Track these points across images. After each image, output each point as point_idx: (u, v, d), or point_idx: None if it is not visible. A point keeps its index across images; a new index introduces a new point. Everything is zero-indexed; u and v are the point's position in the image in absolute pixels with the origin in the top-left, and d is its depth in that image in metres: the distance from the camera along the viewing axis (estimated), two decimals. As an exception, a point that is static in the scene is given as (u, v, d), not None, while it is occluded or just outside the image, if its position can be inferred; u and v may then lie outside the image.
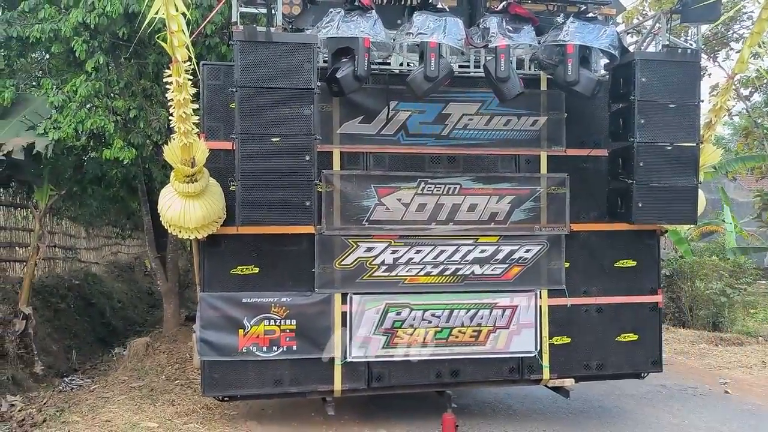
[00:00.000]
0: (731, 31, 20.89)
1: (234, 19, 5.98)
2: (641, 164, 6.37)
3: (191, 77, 5.51)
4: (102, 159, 9.65)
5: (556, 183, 7.18)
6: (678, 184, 6.47)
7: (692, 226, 11.21)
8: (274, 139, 5.76)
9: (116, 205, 15.09)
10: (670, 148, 6.43)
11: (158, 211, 6.37)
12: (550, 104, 7.18)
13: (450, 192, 7.01)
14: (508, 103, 6.67)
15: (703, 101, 6.56)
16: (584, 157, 7.21)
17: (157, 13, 4.94)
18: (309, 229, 6.53)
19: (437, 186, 6.99)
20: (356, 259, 6.83)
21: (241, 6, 6.04)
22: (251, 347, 6.61)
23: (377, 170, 6.91)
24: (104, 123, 9.12)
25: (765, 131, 21.45)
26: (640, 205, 6.42)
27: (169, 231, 6.35)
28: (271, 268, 6.65)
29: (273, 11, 5.97)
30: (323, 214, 6.68)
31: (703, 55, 21.12)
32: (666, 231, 8.10)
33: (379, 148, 6.93)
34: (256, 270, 6.63)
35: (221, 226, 6.40)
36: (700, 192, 6.76)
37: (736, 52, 20.80)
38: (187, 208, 5.99)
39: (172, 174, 5.98)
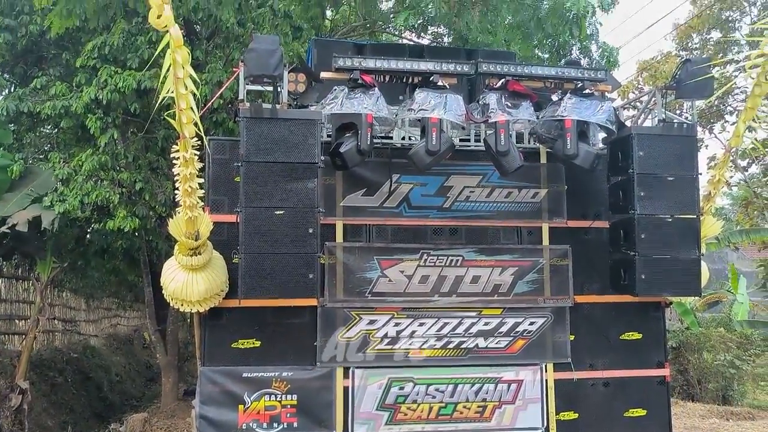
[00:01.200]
0: (726, 104, 21.38)
1: (241, 97, 6.14)
2: (643, 236, 6.40)
3: (198, 152, 5.63)
4: (106, 230, 9.73)
5: (558, 255, 7.18)
6: (680, 256, 6.47)
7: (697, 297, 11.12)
8: (277, 212, 5.82)
9: (117, 277, 15.08)
10: (670, 220, 6.47)
11: (161, 284, 6.36)
12: (550, 177, 7.27)
13: (453, 264, 7.01)
14: (509, 176, 6.78)
15: (701, 174, 6.65)
16: (586, 229, 7.24)
17: (168, 92, 5.08)
18: (312, 302, 6.49)
19: (440, 258, 6.99)
20: (359, 332, 6.77)
21: (248, 84, 6.22)
22: (251, 424, 6.45)
23: (380, 242, 6.94)
24: (109, 195, 9.26)
25: (764, 201, 21.60)
26: (643, 277, 6.40)
27: (171, 304, 6.32)
28: (272, 341, 6.58)
29: (279, 89, 6.14)
30: (326, 287, 6.66)
31: (699, 127, 21.60)
32: (671, 303, 8.04)
33: (382, 220, 6.98)
34: (258, 343, 6.55)
35: (223, 299, 6.37)
36: (703, 263, 6.75)
37: (732, 125, 21.25)
38: (190, 281, 5.98)
39: (176, 247, 6.01)
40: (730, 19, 21.73)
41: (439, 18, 9.44)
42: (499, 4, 9.52)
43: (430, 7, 8.67)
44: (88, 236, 11.10)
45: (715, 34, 22.33)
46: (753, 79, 6.24)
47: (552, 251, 7.18)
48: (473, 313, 7.00)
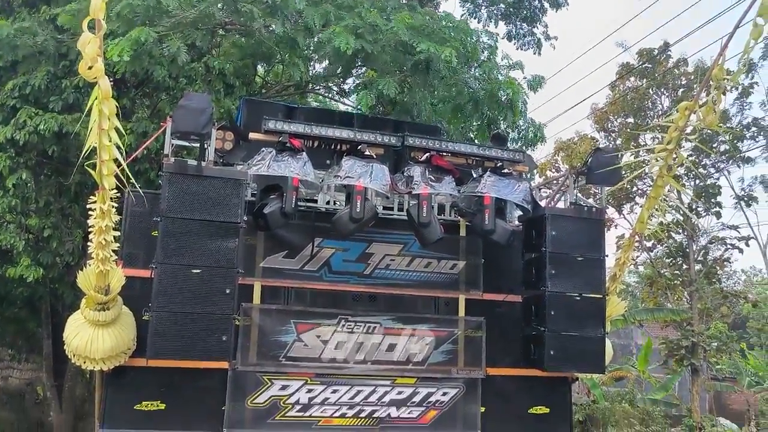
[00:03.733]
0: (635, 187, 22.69)
1: (166, 152, 6.07)
2: (552, 313, 6.65)
3: (116, 204, 5.48)
4: (6, 277, 9.19)
5: (473, 326, 7.33)
6: (587, 333, 6.75)
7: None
8: (194, 271, 5.70)
9: (15, 326, 14.12)
10: (578, 298, 6.77)
11: (63, 339, 6.03)
12: (469, 249, 7.49)
13: (370, 331, 7.02)
14: (429, 246, 6.94)
15: (608, 256, 7.02)
16: (500, 302, 7.44)
17: (92, 142, 4.97)
18: (223, 365, 6.31)
19: (357, 324, 6.99)
20: (270, 398, 6.60)
21: (174, 139, 6.16)
22: (148, 492, 6.09)
23: (298, 306, 6.88)
24: (14, 240, 8.80)
25: (667, 281, 22.81)
26: (552, 352, 6.62)
27: (73, 361, 5.99)
28: (178, 404, 6.31)
29: (206, 146, 6.12)
30: (239, 349, 6.50)
31: (609, 207, 22.85)
32: (577, 378, 8.30)
33: (302, 283, 6.95)
34: (163, 406, 6.26)
35: (129, 357, 6.10)
36: (608, 341, 7.06)
37: (640, 207, 22.60)
38: (96, 337, 5.72)
39: (83, 301, 5.76)
40: (643, 107, 23.37)
41: (390, 95, 9.82)
42: (439, 85, 9.94)
43: (381, 87, 8.98)
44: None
45: (632, 119, 23.92)
46: (656, 170, 6.73)
47: (467, 322, 7.32)
48: (387, 382, 6.98)
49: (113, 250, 5.55)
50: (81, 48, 4.48)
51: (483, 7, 13.41)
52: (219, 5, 8.44)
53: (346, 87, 12.99)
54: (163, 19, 8.21)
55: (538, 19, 13.05)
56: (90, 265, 5.59)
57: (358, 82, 11.71)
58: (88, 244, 5.52)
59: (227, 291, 5.76)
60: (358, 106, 10.92)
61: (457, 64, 8.76)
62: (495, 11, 13.25)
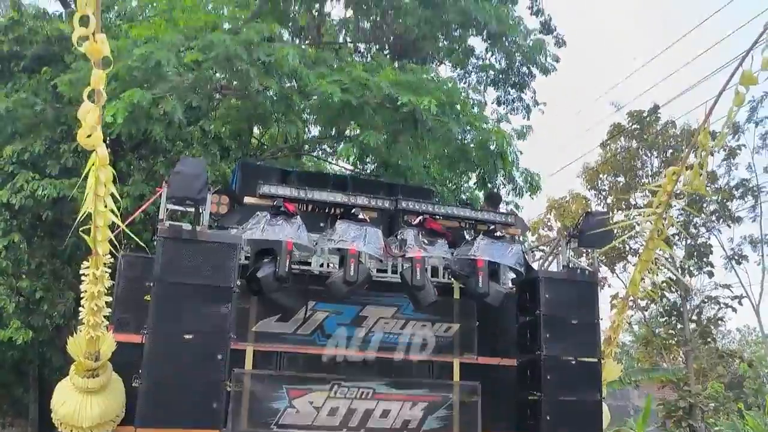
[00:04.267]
0: (627, 246, 22.79)
1: (161, 216, 6.11)
2: (548, 377, 6.58)
3: (108, 269, 5.47)
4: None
5: (468, 391, 7.22)
6: (583, 398, 6.67)
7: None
8: (186, 337, 5.64)
9: (0, 390, 13.81)
10: (574, 362, 6.71)
11: (50, 406, 5.91)
12: (463, 312, 7.46)
13: (363, 396, 6.92)
14: (423, 309, 6.91)
15: (602, 319, 7.01)
16: (495, 367, 7.36)
17: (88, 208, 5.00)
18: (213, 432, 6.17)
19: (351, 390, 6.89)
20: (261, 467, 6.44)
21: (170, 204, 6.21)
22: None
23: (290, 371, 6.79)
24: (5, 303, 8.73)
25: (663, 341, 22.68)
26: (548, 418, 6.52)
27: (60, 429, 5.85)
28: (167, 473, 6.12)
29: (201, 210, 6.17)
30: (230, 416, 6.36)
31: (602, 266, 22.90)
32: (574, 443, 8.13)
33: (295, 347, 6.88)
34: (151, 475, 6.08)
35: (118, 425, 5.96)
36: (605, 405, 6.97)
37: (632, 265, 22.66)
38: (84, 404, 5.60)
39: (73, 367, 5.67)
40: (633, 167, 23.73)
41: (374, 150, 9.94)
42: (426, 139, 10.12)
43: (366, 140, 9.13)
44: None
45: (622, 178, 24.25)
46: (647, 234, 6.80)
47: (462, 387, 7.23)
48: (381, 450, 6.83)
49: (105, 316, 5.51)
50: (81, 117, 4.56)
51: (473, 73, 13.79)
52: (216, 69, 8.61)
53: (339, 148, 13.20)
54: (160, 83, 8.39)
55: (526, 85, 13.41)
56: (81, 331, 5.53)
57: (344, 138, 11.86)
58: (80, 308, 5.48)
59: (219, 357, 5.69)
60: (340, 159, 11.02)
61: (438, 113, 8.89)
62: (484, 77, 13.62)
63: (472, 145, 10.14)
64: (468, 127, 9.93)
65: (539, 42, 12.45)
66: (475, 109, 10.70)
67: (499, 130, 10.39)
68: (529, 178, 11.56)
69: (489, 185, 11.11)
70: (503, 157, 10.32)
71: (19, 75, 9.92)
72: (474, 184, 11.90)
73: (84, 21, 4.24)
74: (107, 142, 6.59)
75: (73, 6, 10.25)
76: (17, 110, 8.62)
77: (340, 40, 14.46)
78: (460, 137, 10.01)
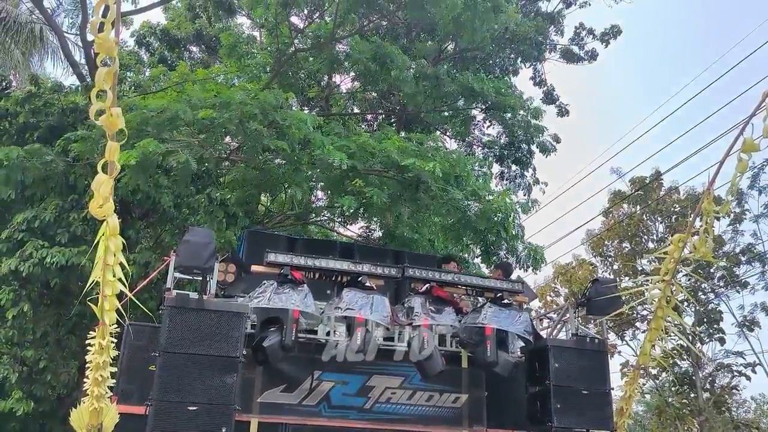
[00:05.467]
0: (635, 313, 22.57)
1: (168, 285, 6.12)
2: (561, 451, 6.40)
3: (114, 339, 5.43)
4: (-5, 412, 8.93)
5: (479, 469, 7.02)
6: (597, 474, 6.46)
7: None
8: (190, 408, 5.56)
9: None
10: (587, 435, 6.54)
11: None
12: (471, 382, 7.33)
13: (370, 471, 6.72)
14: (431, 379, 6.80)
15: (613, 389, 6.87)
16: (506, 441, 7.18)
17: (97, 277, 5.02)
18: None
19: (358, 463, 6.71)
20: None
21: (178, 273, 6.23)
22: None
23: (296, 443, 6.64)
24: (8, 373, 8.64)
25: (676, 411, 22.11)
26: (562, 498, 6.29)
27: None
28: None
29: (208, 279, 6.18)
30: (234, 492, 6.18)
31: (611, 333, 22.60)
32: None
33: (300, 419, 6.74)
34: None
35: (116, 502, 5.78)
36: (620, 482, 6.74)
37: (642, 332, 22.37)
38: (85, 480, 5.45)
39: (74, 440, 5.55)
40: (638, 233, 23.77)
41: (376, 209, 10.03)
42: (429, 205, 10.23)
43: (370, 195, 9.23)
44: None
45: (627, 244, 24.24)
46: (655, 302, 6.74)
47: (472, 461, 7.03)
48: None
49: (109, 387, 5.44)
50: (95, 189, 4.64)
51: (478, 148, 14.12)
52: (228, 128, 8.74)
53: (345, 215, 13.31)
54: (173, 135, 8.52)
55: (528, 164, 13.71)
56: (84, 402, 5.45)
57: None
58: (85, 379, 5.41)
59: (224, 430, 5.58)
60: (342, 210, 11.05)
61: (443, 180, 8.99)
62: (489, 153, 13.94)
63: (475, 216, 10.24)
64: (472, 198, 10.07)
65: (539, 125, 12.77)
66: (480, 180, 10.89)
67: (502, 199, 10.51)
68: (533, 253, 11.61)
69: (494, 259, 11.14)
70: (506, 227, 10.40)
71: (34, 145, 10.16)
72: (478, 257, 11.95)
73: (101, 95, 4.38)
74: (119, 210, 6.67)
75: (89, 80, 10.60)
76: (27, 161, 8.70)
77: (348, 110, 14.86)
78: (463, 207, 10.13)
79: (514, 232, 10.84)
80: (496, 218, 10.24)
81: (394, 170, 9.37)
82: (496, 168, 14.03)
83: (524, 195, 13.71)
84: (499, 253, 11.55)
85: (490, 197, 10.40)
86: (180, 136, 8.61)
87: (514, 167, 13.75)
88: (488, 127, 14.06)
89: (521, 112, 12.43)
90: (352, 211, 11.16)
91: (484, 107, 12.75)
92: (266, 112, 8.54)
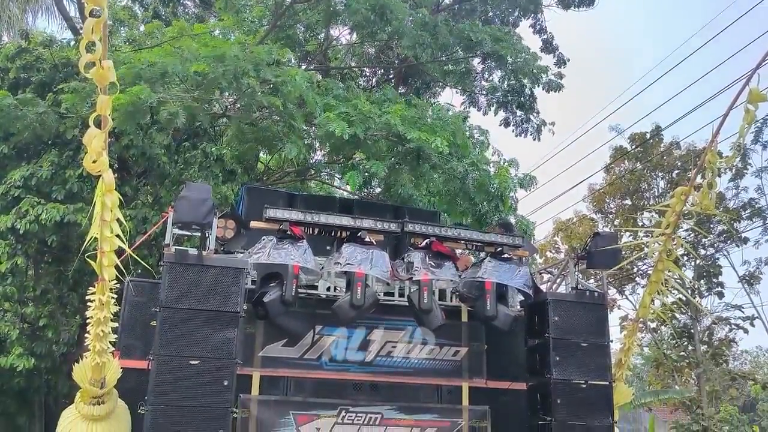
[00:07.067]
0: (636, 268, 22.67)
1: (167, 242, 6.09)
2: (558, 401, 6.47)
3: (115, 295, 5.44)
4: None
5: (478, 416, 7.11)
6: (594, 422, 6.54)
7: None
8: (192, 362, 5.59)
9: (3, 420, 13.70)
10: (585, 386, 6.60)
11: (55, 433, 5.84)
12: (471, 336, 7.38)
13: (371, 422, 6.81)
14: (431, 333, 6.83)
15: (612, 341, 6.91)
16: (504, 390, 7.25)
17: (94, 233, 4.99)
18: (219, 460, 6.07)
19: (358, 415, 6.79)
20: (265, 495, 6.32)
21: (176, 229, 6.19)
22: None
23: (297, 396, 6.71)
24: (9, 329, 8.69)
25: (674, 363, 22.42)
26: (559, 443, 6.39)
27: (64, 458, 5.77)
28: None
29: (207, 235, 6.15)
30: (236, 443, 6.27)
31: (611, 288, 22.75)
32: (587, 469, 7.98)
33: (301, 372, 6.80)
34: (156, 504, 5.97)
35: (124, 453, 5.88)
36: (616, 429, 6.83)
37: (642, 287, 22.51)
38: (89, 432, 5.53)
39: (78, 394, 5.61)
40: (639, 189, 23.70)
41: (379, 177, 10.03)
42: (429, 173, 10.16)
43: (371, 168, 9.18)
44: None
45: (629, 200, 24.21)
46: (656, 255, 6.74)
47: (472, 412, 7.12)
48: (390, 476, 6.72)
49: (110, 342, 5.46)
50: (87, 143, 4.58)
51: (482, 96, 13.88)
52: (222, 83, 8.58)
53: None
54: (166, 89, 8.38)
55: (532, 107, 13.48)
56: (86, 357, 5.49)
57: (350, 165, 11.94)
58: (86, 335, 5.44)
59: (225, 383, 5.63)
60: (346, 184, 11.05)
61: (447, 153, 8.94)
62: (493, 99, 13.70)
63: (473, 188, 10.20)
64: (471, 168, 10.00)
65: (541, 66, 12.53)
66: (477, 151, 10.79)
67: (502, 172, 10.44)
68: (524, 226, 11.62)
69: (485, 228, 11.08)
70: (503, 200, 10.37)
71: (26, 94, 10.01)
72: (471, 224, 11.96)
73: (90, 47, 4.27)
74: (116, 168, 6.62)
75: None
76: (19, 109, 8.52)
77: (346, 64, 14.61)
78: (462, 176, 10.06)
79: (510, 204, 10.83)
80: (493, 190, 10.22)
81: (396, 139, 9.27)
82: (501, 115, 13.81)
83: (533, 139, 13.52)
84: (491, 223, 11.54)
85: (486, 167, 10.37)
86: (174, 91, 8.45)
87: (519, 112, 13.52)
88: (488, 77, 13.80)
89: (523, 55, 12.18)
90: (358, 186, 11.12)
91: (482, 55, 12.51)
92: (259, 68, 8.37)
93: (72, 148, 9.31)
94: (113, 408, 5.66)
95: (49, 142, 9.36)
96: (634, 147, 22.95)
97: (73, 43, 11.03)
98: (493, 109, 13.80)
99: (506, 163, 11.39)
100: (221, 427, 5.54)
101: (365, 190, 14.05)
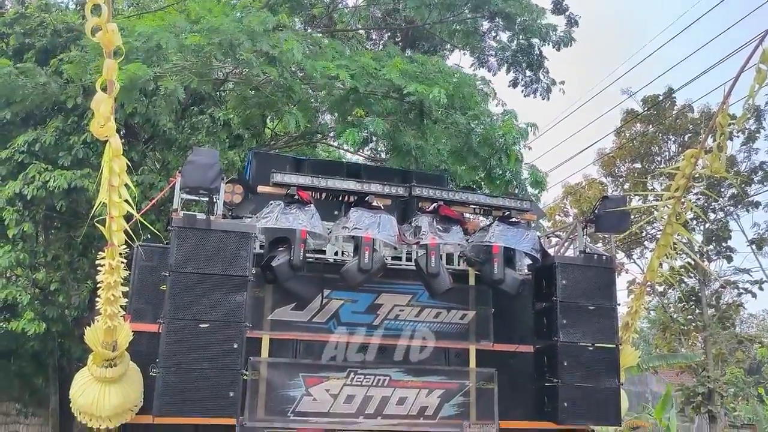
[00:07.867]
0: (644, 232, 22.60)
1: (175, 206, 6.11)
2: (565, 364, 6.52)
3: (124, 259, 5.48)
4: (13, 332, 9.15)
5: (485, 378, 7.19)
6: (601, 385, 6.60)
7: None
8: (202, 326, 5.66)
9: (21, 381, 13.99)
10: (591, 348, 6.65)
11: (69, 396, 5.96)
12: (479, 299, 7.41)
13: (380, 384, 6.90)
14: (439, 296, 6.88)
15: (619, 304, 6.92)
16: (511, 353, 7.32)
17: (103, 198, 5.01)
18: (230, 421, 6.18)
19: (367, 377, 6.88)
20: (277, 454, 6.45)
21: (184, 194, 6.21)
22: None
23: (307, 359, 6.80)
24: (20, 294, 8.80)
25: (681, 326, 22.51)
26: (565, 405, 6.46)
27: (78, 419, 5.90)
28: (185, 461, 6.17)
29: (215, 200, 6.16)
30: (246, 405, 6.38)
31: (619, 253, 22.73)
32: (593, 430, 8.08)
33: (310, 335, 6.88)
34: (169, 463, 6.12)
35: (136, 414, 6.00)
36: (623, 392, 6.90)
37: (650, 251, 22.50)
38: (103, 394, 5.63)
39: (90, 357, 5.70)
40: (650, 152, 23.48)
41: (379, 134, 9.92)
42: (432, 129, 10.03)
43: (371, 126, 9.09)
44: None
45: (639, 164, 24.02)
46: (665, 218, 6.70)
47: (479, 374, 7.19)
48: (398, 437, 6.82)
49: (121, 306, 5.53)
50: (94, 108, 4.56)
51: (491, 56, 13.67)
52: (217, 55, 8.49)
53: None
54: (162, 64, 8.31)
55: (541, 66, 13.27)
56: (98, 321, 5.56)
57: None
58: (96, 299, 5.50)
59: (235, 346, 5.70)
60: (345, 143, 10.95)
61: (447, 105, 8.80)
62: (502, 59, 13.49)
63: (478, 140, 10.05)
64: (474, 122, 9.85)
65: (550, 23, 12.29)
66: (482, 104, 10.61)
67: (506, 125, 10.25)
68: (535, 176, 11.41)
69: (497, 182, 10.92)
70: (508, 154, 10.23)
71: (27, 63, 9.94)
72: (480, 179, 11.77)
73: (96, 10, 4.22)
74: (121, 133, 6.61)
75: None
76: (19, 79, 8.48)
77: (353, 27, 14.40)
78: (467, 131, 9.91)
79: (517, 156, 10.67)
80: (498, 145, 10.08)
81: (396, 94, 9.14)
82: (509, 76, 13.60)
83: (543, 99, 13.32)
84: (503, 177, 11.39)
85: (491, 120, 10.20)
86: (173, 61, 8.36)
87: (528, 73, 13.31)
88: (495, 37, 13.55)
89: (533, 14, 11.93)
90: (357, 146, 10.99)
91: (489, 15, 12.27)
92: (254, 38, 8.24)
93: (77, 114, 9.28)
94: (125, 370, 5.75)
95: (55, 108, 9.33)
96: (646, 109, 22.67)
97: (73, 6, 10.91)
98: (504, 68, 13.59)
99: (508, 116, 11.20)
100: (231, 389, 5.64)
101: (369, 151, 13.95)
